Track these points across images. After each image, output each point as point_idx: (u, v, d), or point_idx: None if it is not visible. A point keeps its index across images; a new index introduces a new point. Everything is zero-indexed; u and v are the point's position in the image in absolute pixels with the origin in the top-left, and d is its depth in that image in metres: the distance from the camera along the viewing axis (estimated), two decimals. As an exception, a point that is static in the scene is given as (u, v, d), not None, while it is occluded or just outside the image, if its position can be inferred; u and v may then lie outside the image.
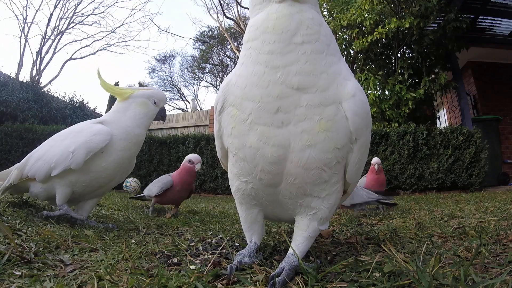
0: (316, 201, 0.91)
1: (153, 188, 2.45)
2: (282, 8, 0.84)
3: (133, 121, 1.67)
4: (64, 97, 10.68)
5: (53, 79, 13.93)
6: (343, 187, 0.96)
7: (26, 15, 13.04)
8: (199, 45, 21.83)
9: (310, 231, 0.93)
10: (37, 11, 13.47)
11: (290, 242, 0.96)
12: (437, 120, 8.21)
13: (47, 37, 13.49)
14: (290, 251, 0.90)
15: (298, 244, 0.93)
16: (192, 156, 2.45)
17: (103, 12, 15.62)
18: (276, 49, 0.83)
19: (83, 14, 14.43)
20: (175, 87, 24.38)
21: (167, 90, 24.76)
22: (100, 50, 15.60)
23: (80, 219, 1.60)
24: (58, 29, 13.81)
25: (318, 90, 0.83)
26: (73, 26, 14.29)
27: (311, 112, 0.82)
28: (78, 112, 10.53)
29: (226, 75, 22.14)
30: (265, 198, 0.96)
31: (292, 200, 0.92)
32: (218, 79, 22.94)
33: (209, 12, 14.49)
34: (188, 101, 23.96)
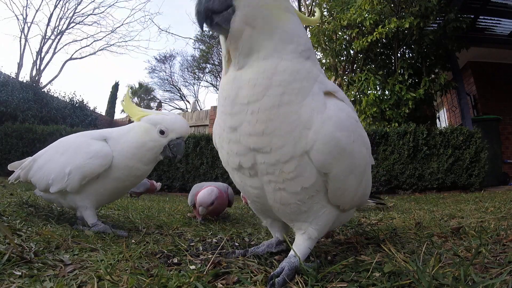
0: (305, 224, 0.93)
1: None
2: (227, 76, 0.86)
3: (127, 149, 1.44)
4: (64, 97, 10.68)
5: (53, 79, 13.94)
6: (336, 207, 0.94)
7: (26, 15, 13.05)
8: (199, 45, 21.86)
9: (310, 240, 0.95)
10: (37, 11, 13.47)
11: (291, 242, 0.96)
12: (437, 120, 8.22)
13: (47, 37, 13.50)
14: (291, 252, 0.90)
15: (300, 247, 0.93)
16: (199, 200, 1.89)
17: (103, 12, 15.64)
18: (226, 110, 0.85)
19: (83, 14, 14.44)
20: (175, 87, 24.42)
21: (167, 90, 24.79)
22: (100, 50, 15.60)
23: (122, 235, 1.43)
24: (58, 29, 13.82)
25: (272, 149, 0.80)
26: (73, 26, 14.30)
27: (270, 168, 0.82)
28: (78, 112, 10.53)
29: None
30: (269, 214, 1.04)
31: (286, 221, 0.98)
32: (218, 79, 22.94)
33: (209, 12, 14.40)
34: (188, 101, 23.96)
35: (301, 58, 0.83)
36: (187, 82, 24.19)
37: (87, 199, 1.49)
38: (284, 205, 0.88)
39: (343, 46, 7.06)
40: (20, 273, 0.82)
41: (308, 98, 0.81)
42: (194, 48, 22.66)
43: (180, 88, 24.54)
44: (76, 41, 17.85)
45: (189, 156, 6.57)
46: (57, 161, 1.48)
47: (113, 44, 15.98)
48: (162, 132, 1.41)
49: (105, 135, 1.50)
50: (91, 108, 11.68)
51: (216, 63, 22.35)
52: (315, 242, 0.96)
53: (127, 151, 1.44)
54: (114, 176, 1.45)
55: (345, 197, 0.91)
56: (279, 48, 0.81)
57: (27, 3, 15.39)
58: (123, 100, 1.56)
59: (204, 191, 1.92)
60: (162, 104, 25.62)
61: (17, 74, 11.80)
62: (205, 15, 0.76)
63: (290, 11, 0.84)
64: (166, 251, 1.13)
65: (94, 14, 14.66)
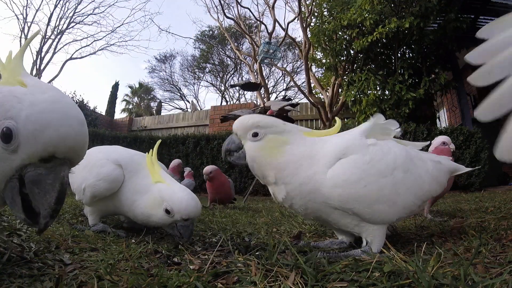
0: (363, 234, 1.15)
1: None
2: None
3: (134, 207, 1.37)
4: (64, 97, 10.65)
5: (53, 79, 13.93)
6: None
7: (26, 15, 13.09)
8: (199, 44, 21.84)
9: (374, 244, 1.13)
10: (37, 11, 13.55)
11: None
12: (437, 120, 8.22)
13: (47, 37, 13.51)
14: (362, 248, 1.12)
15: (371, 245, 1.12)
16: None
17: (103, 12, 15.63)
18: None
19: (83, 13, 14.47)
20: (175, 87, 24.41)
21: (167, 90, 24.77)
22: (100, 50, 15.63)
23: (121, 235, 1.44)
24: (58, 28, 13.83)
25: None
26: (73, 26, 14.32)
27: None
28: (78, 112, 10.49)
29: (226, 75, 22.15)
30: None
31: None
32: (218, 79, 22.95)
33: (209, 12, 14.42)
34: (188, 101, 23.95)
35: (299, 173, 1.10)
36: (187, 82, 24.19)
37: (95, 212, 1.54)
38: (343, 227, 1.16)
39: (343, 46, 7.05)
40: (20, 273, 0.82)
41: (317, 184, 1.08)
42: (194, 48, 22.65)
43: (180, 88, 24.53)
44: (76, 41, 17.88)
45: (189, 156, 6.57)
46: (79, 174, 1.50)
47: (113, 44, 16.02)
48: (167, 212, 1.26)
49: (121, 161, 1.44)
50: (91, 108, 11.69)
51: (216, 63, 22.35)
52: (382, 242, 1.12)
53: (134, 206, 1.37)
54: (120, 201, 1.43)
55: (381, 219, 1.09)
56: (277, 177, 1.11)
57: (27, 3, 15.46)
58: (150, 155, 1.44)
59: (207, 167, 3.20)
60: (162, 104, 25.62)
61: (17, 74, 11.76)
62: (225, 154, 1.19)
63: (288, 142, 1.12)
64: (166, 251, 1.13)
65: (94, 14, 14.70)
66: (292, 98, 5.16)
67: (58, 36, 13.86)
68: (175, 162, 3.98)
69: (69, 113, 0.59)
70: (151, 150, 1.45)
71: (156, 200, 1.29)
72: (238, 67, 21.59)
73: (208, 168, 3.17)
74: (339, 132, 1.22)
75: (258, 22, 12.76)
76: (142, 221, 1.38)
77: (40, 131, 0.55)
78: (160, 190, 1.30)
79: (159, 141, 1.55)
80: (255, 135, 1.12)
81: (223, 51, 21.46)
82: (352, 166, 1.06)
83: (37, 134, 0.55)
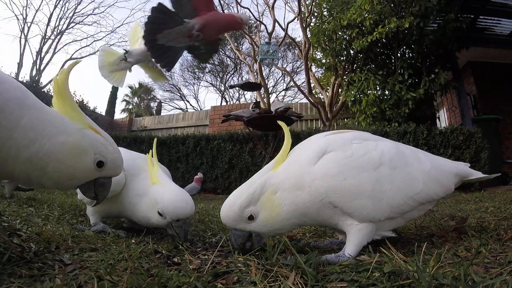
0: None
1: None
2: None
3: (137, 210, 1.37)
4: (64, 97, 10.65)
5: (53, 79, 13.95)
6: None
7: (26, 15, 13.11)
8: (199, 45, 21.76)
9: (353, 246, 1.09)
10: (37, 11, 13.60)
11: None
12: (437, 120, 8.21)
13: (47, 37, 13.51)
14: (342, 250, 1.07)
15: (348, 248, 1.08)
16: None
17: (103, 12, 15.67)
18: None
19: (83, 14, 14.49)
20: (175, 87, 24.38)
21: (167, 90, 24.75)
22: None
23: (121, 235, 1.45)
24: (58, 29, 13.85)
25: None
26: (73, 26, 14.34)
27: None
28: (78, 112, 10.50)
29: (226, 75, 22.15)
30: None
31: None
32: (218, 79, 22.94)
33: (209, 12, 14.40)
34: (187, 101, 23.93)
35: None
36: (187, 82, 24.18)
37: (96, 213, 1.54)
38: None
39: (343, 46, 7.04)
40: (20, 273, 0.82)
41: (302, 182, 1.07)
42: (194, 48, 22.56)
43: (180, 88, 24.52)
44: (76, 41, 17.95)
45: (189, 156, 6.57)
46: None
47: (113, 44, 16.03)
48: (160, 214, 1.28)
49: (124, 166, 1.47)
50: (91, 108, 11.68)
51: (216, 63, 22.33)
52: (360, 246, 1.09)
53: (135, 209, 1.39)
54: (123, 204, 1.43)
55: (365, 215, 1.06)
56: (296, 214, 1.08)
57: (27, 3, 15.49)
58: (150, 154, 1.46)
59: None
60: (162, 104, 25.61)
61: (17, 74, 11.83)
62: (243, 251, 1.08)
63: (275, 191, 1.07)
64: (166, 251, 1.13)
65: (94, 14, 14.75)
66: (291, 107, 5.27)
67: (58, 36, 13.89)
68: (199, 176, 5.15)
69: (121, 159, 1.10)
70: (151, 150, 1.46)
71: (151, 203, 1.31)
72: (238, 67, 21.59)
73: None
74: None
75: (258, 22, 12.75)
76: (145, 224, 1.40)
77: (115, 168, 1.07)
78: (154, 193, 1.31)
79: (155, 140, 1.54)
80: (251, 218, 1.05)
81: (223, 51, 21.44)
82: (332, 160, 1.06)
83: (113, 169, 1.06)
